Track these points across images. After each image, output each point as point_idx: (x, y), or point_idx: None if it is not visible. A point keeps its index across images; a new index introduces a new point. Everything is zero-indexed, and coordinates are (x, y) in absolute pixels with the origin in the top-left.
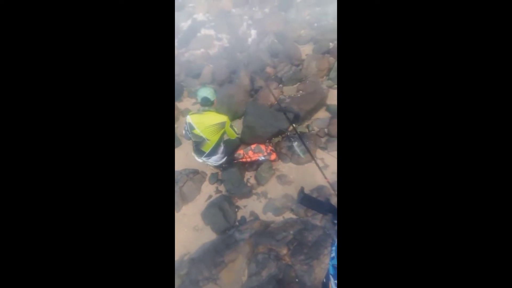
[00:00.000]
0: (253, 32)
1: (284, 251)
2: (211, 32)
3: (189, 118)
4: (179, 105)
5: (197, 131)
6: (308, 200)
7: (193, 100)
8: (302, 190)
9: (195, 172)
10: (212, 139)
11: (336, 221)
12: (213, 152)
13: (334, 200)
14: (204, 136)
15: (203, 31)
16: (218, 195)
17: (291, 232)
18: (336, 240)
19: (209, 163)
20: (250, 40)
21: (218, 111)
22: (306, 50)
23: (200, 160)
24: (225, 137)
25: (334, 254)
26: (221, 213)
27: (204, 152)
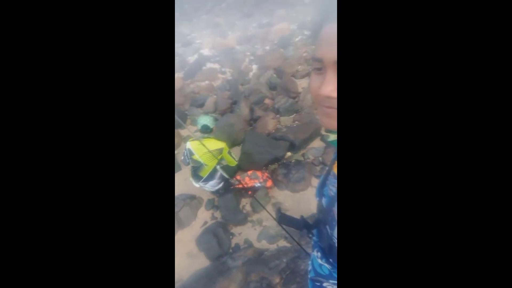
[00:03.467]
0: (254, 67)
1: (277, 279)
2: (216, 66)
3: (189, 144)
4: (182, 132)
5: (196, 156)
6: (285, 219)
7: (195, 128)
8: (279, 210)
9: (192, 197)
10: (209, 164)
11: (311, 236)
12: (210, 177)
13: (309, 218)
14: (202, 161)
15: (208, 65)
16: (213, 221)
17: (284, 260)
18: (312, 254)
19: (206, 189)
20: (251, 74)
21: (217, 138)
22: (302, 84)
23: (197, 185)
24: (223, 163)
25: (311, 267)
26: (216, 239)
27: (201, 177)
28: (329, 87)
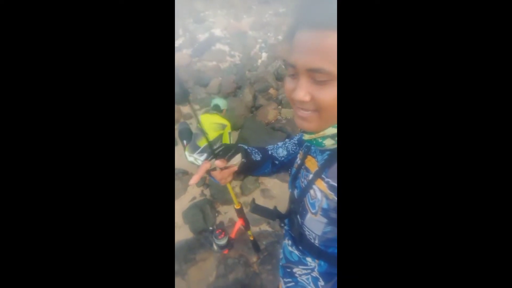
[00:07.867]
0: (264, 55)
1: (254, 259)
2: (226, 48)
3: (199, 116)
4: (183, 109)
5: (201, 124)
6: (258, 209)
7: (197, 107)
8: (253, 201)
9: (185, 172)
10: (210, 134)
11: (283, 225)
12: (206, 148)
13: (281, 208)
14: (204, 129)
15: (218, 46)
16: (202, 198)
17: (264, 242)
18: (284, 242)
19: (200, 163)
20: (260, 61)
21: (223, 117)
22: None
23: (191, 158)
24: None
25: (282, 255)
26: (201, 215)
27: (198, 147)
28: (301, 92)
